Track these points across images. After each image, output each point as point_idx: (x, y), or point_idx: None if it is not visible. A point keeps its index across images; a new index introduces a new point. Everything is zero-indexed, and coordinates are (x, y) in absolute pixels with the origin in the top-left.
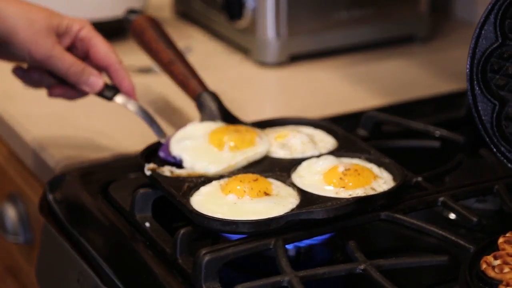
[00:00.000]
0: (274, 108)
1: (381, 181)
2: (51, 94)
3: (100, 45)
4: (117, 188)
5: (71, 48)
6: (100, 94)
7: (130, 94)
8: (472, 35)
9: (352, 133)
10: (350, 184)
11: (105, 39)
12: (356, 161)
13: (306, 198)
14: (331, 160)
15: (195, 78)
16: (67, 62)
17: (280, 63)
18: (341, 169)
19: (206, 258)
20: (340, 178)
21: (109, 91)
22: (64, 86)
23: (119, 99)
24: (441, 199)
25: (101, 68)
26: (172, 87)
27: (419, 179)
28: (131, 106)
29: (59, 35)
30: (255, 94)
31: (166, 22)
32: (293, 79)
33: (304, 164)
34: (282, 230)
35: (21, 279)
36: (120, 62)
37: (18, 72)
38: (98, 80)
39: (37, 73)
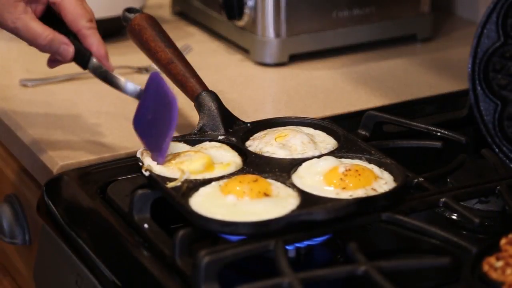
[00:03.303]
0: (274, 108)
1: (382, 181)
2: (49, 66)
3: (68, 10)
4: (116, 189)
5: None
6: (77, 62)
7: (101, 59)
8: (474, 34)
9: (353, 133)
10: (351, 184)
11: (78, 2)
12: (357, 162)
13: (306, 199)
14: (331, 161)
15: (194, 78)
16: (32, 33)
17: (280, 63)
18: (341, 169)
19: (206, 259)
20: (341, 179)
21: (81, 59)
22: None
23: (90, 65)
24: (442, 200)
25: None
26: (171, 87)
27: (421, 179)
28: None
29: (32, 2)
30: (255, 94)
31: (165, 21)
32: (293, 79)
33: (304, 165)
34: (282, 231)
35: (19, 281)
36: (89, 27)
37: None
38: (69, 48)
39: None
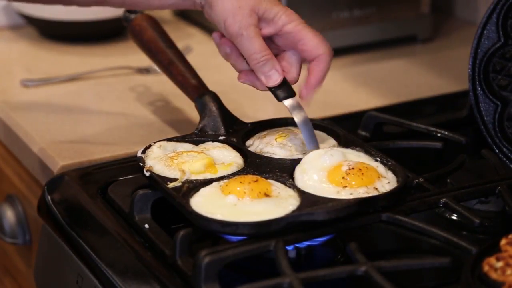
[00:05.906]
0: (274, 109)
1: (385, 181)
2: (239, 78)
3: (308, 38)
4: (116, 189)
5: (272, 39)
6: (272, 90)
7: (309, 88)
8: (474, 35)
9: (353, 134)
10: (353, 183)
11: (317, 32)
12: (362, 157)
13: (307, 199)
14: (337, 157)
15: (195, 79)
16: (255, 47)
17: None
18: (344, 168)
19: (206, 259)
20: (343, 177)
21: (282, 92)
22: (253, 73)
23: (287, 102)
24: (443, 200)
25: (309, 61)
26: (172, 87)
27: (421, 180)
28: (296, 116)
29: (263, 21)
30: (255, 94)
31: (165, 21)
32: None
33: (311, 155)
34: (282, 231)
35: (19, 281)
36: (329, 55)
37: (215, 37)
38: (278, 77)
39: (228, 47)
